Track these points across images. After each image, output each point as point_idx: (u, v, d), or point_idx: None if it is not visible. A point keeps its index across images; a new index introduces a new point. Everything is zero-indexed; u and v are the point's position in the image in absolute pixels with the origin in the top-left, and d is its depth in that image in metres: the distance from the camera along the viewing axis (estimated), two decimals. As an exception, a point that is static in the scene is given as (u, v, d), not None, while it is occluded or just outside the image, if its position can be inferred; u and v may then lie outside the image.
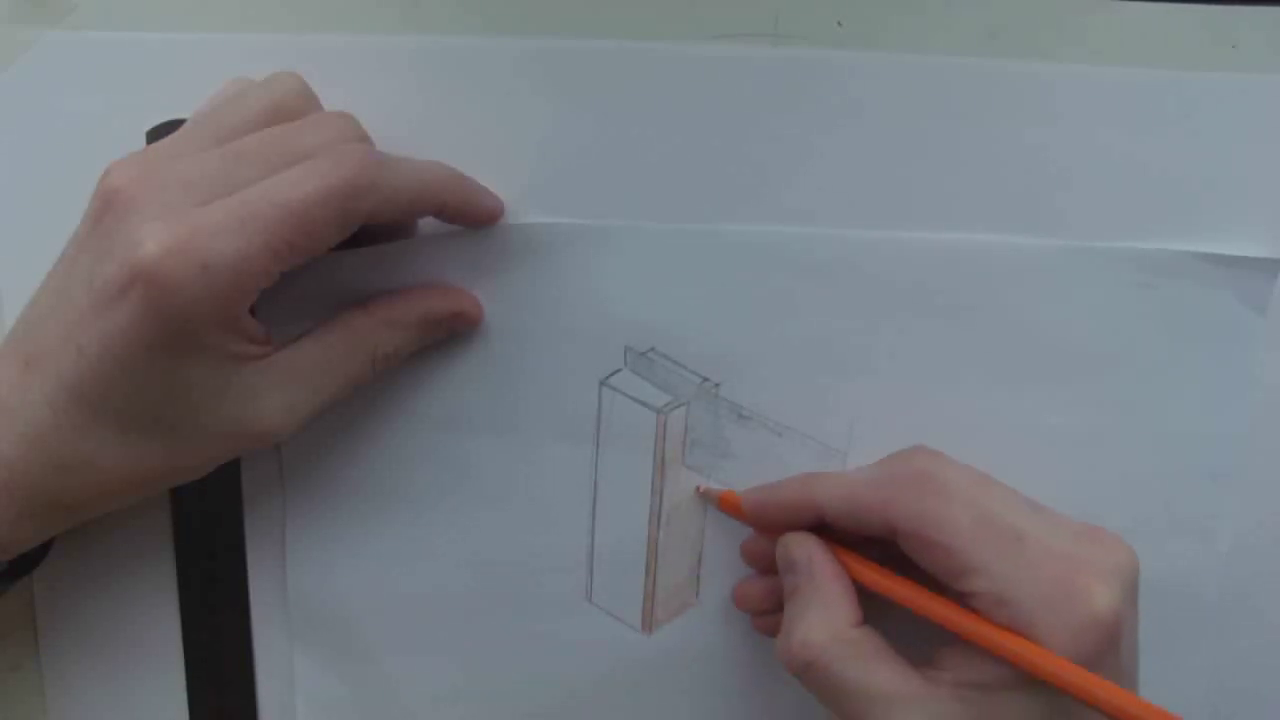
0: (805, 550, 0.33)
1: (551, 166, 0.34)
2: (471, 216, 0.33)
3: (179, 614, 0.37)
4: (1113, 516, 0.35)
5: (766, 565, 0.35)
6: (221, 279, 0.28)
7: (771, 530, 0.34)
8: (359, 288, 0.33)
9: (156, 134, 0.34)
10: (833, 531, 0.33)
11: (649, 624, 0.37)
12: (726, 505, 0.36)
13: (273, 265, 0.29)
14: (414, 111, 0.34)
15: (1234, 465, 0.35)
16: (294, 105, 0.32)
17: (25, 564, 0.34)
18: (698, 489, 0.36)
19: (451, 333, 0.34)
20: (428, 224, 0.34)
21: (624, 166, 0.34)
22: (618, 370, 0.35)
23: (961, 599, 0.30)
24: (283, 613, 0.38)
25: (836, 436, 0.36)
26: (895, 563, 0.32)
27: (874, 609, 0.32)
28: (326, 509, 0.36)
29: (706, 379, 0.35)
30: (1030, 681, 0.29)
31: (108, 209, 0.29)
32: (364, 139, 0.32)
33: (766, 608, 0.36)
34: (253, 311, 0.30)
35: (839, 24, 0.33)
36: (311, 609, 0.37)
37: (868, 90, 0.34)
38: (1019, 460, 0.35)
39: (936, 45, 0.33)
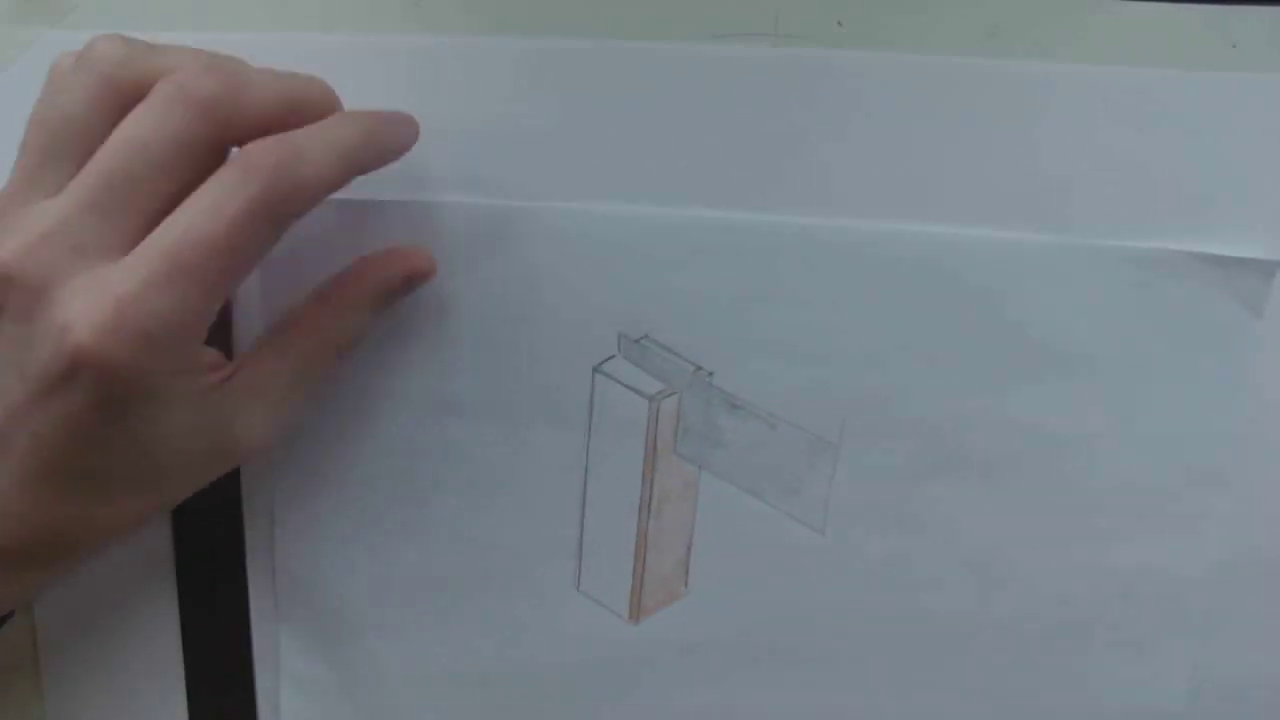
0: None
1: (551, 163, 0.34)
2: (391, 158, 0.32)
3: (179, 614, 0.38)
4: (1103, 514, 0.36)
5: None
6: (166, 342, 0.27)
7: None
8: (350, 243, 0.34)
9: (156, 134, 0.34)
10: None
11: (637, 613, 0.38)
12: None
13: (214, 303, 0.28)
14: (415, 110, 0.34)
15: (1227, 466, 0.35)
16: (124, 76, 0.28)
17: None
18: None
19: (410, 292, 0.34)
20: (427, 199, 0.34)
21: (624, 165, 0.34)
22: (611, 357, 0.35)
23: None
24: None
25: (829, 429, 0.36)
26: None
27: None
28: (315, 493, 0.37)
29: (700, 367, 0.35)
30: None
31: (7, 298, 0.27)
32: (218, 77, 0.28)
33: None
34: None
35: (839, 24, 0.33)
36: (298, 592, 0.37)
37: (868, 90, 0.34)
38: (1012, 457, 0.35)
39: (936, 45, 0.33)
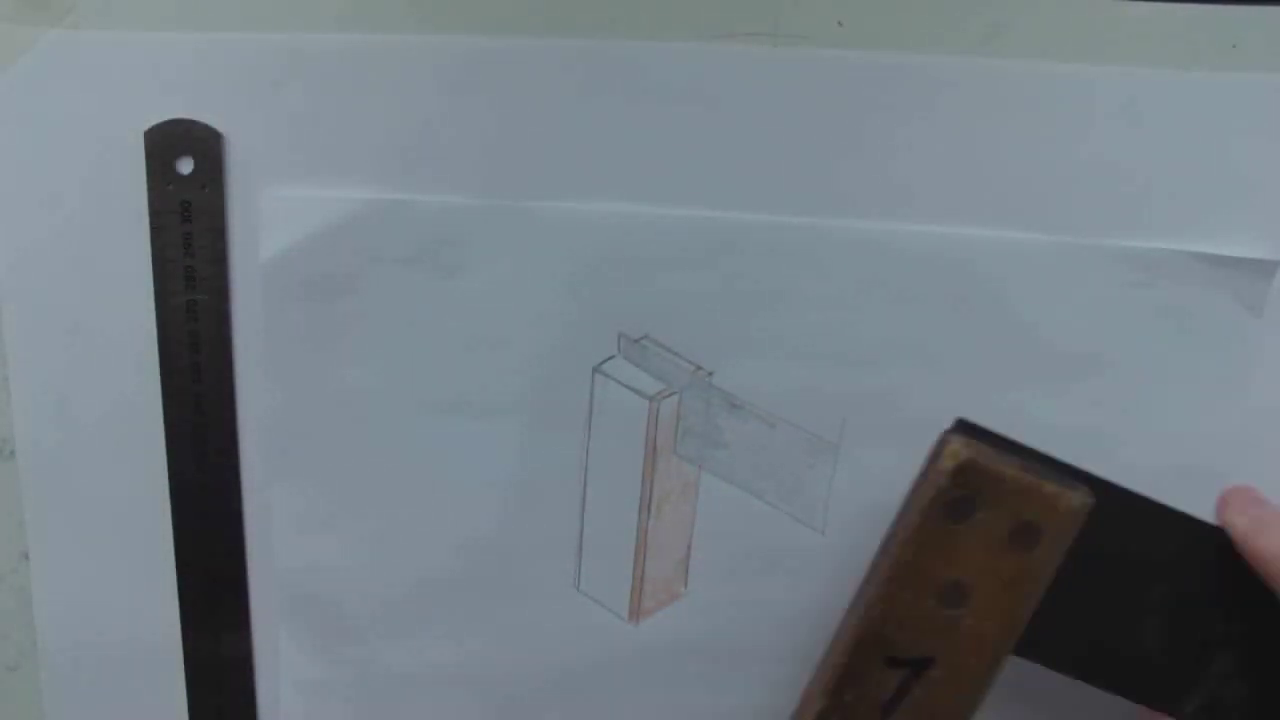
0: None
1: (551, 163, 0.34)
2: None
3: (179, 613, 0.38)
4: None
5: None
6: None
7: None
8: (350, 242, 0.34)
9: (155, 134, 0.34)
10: None
11: (636, 613, 0.38)
12: None
13: None
14: (419, 109, 0.34)
15: (1227, 465, 0.35)
16: None
17: None
18: None
19: None
20: (427, 199, 0.34)
21: (624, 165, 0.34)
22: (611, 357, 0.35)
23: None
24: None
25: (829, 429, 0.36)
26: None
27: None
28: (315, 493, 0.37)
29: (700, 367, 0.35)
30: None
31: None
32: None
33: None
34: None
35: (839, 24, 0.33)
36: (298, 593, 0.37)
37: (868, 90, 0.34)
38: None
39: (936, 45, 0.33)
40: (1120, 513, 0.31)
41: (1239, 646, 0.32)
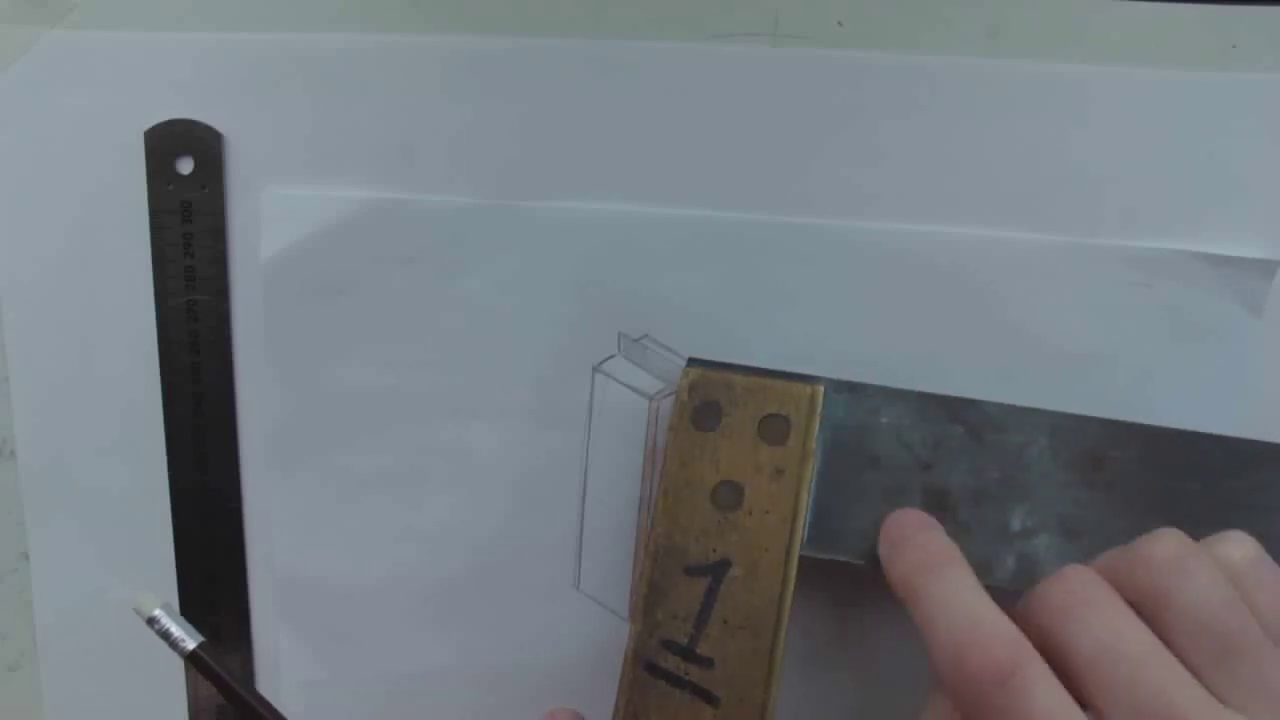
0: None
1: (551, 163, 0.34)
2: None
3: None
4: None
5: None
6: None
7: None
8: (349, 241, 0.35)
9: (155, 134, 0.34)
10: None
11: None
12: None
13: None
14: (418, 108, 0.34)
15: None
16: None
17: None
18: None
19: None
20: (428, 198, 0.34)
21: (624, 165, 0.34)
22: (611, 356, 0.35)
23: None
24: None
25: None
26: None
27: None
28: (315, 492, 0.37)
29: None
30: None
31: None
32: None
33: None
34: None
35: (839, 24, 0.33)
36: (298, 592, 0.37)
37: (868, 90, 0.34)
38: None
39: (936, 45, 0.33)
40: (882, 407, 0.33)
41: (1025, 501, 0.33)
